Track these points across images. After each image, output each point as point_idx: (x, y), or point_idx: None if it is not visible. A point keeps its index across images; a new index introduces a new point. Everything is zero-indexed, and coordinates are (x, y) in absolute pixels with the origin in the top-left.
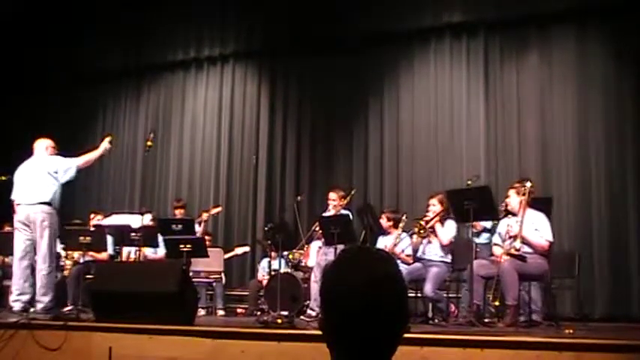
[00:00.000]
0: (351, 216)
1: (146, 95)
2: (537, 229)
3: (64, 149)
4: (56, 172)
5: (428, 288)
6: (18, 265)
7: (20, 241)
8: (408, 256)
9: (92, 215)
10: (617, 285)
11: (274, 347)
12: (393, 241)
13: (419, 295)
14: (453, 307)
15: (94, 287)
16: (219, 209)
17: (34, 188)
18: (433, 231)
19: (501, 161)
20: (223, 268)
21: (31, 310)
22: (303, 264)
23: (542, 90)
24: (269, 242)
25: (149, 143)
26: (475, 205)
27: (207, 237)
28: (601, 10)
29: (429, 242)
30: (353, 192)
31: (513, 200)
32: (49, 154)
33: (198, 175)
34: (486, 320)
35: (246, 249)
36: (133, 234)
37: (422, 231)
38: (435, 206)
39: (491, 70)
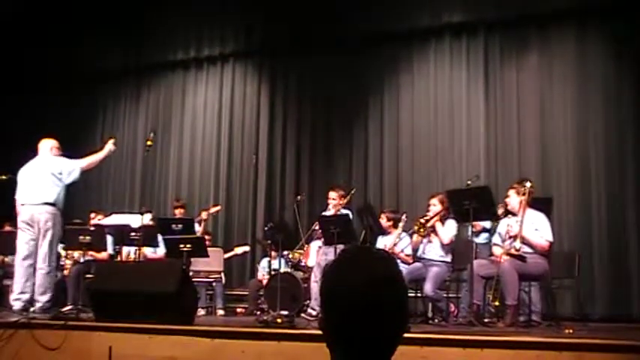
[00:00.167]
0: (350, 215)
1: (146, 95)
2: (537, 229)
3: (65, 149)
4: (60, 174)
5: (428, 287)
6: (21, 265)
7: (24, 242)
8: (407, 255)
9: (92, 215)
10: (617, 285)
11: (274, 347)
12: (393, 241)
13: (419, 294)
14: (452, 307)
15: (93, 287)
16: (218, 208)
17: (38, 189)
18: (434, 230)
19: (501, 161)
20: (223, 267)
21: (31, 309)
22: (303, 264)
23: (542, 90)
24: (269, 242)
25: (149, 143)
26: (475, 205)
27: (206, 237)
28: (601, 10)
29: (430, 242)
30: (353, 191)
31: (513, 200)
32: (53, 155)
33: (198, 175)
34: (486, 320)
35: (246, 249)
36: (133, 233)
37: (422, 230)
38: (435, 206)
39: (491, 70)
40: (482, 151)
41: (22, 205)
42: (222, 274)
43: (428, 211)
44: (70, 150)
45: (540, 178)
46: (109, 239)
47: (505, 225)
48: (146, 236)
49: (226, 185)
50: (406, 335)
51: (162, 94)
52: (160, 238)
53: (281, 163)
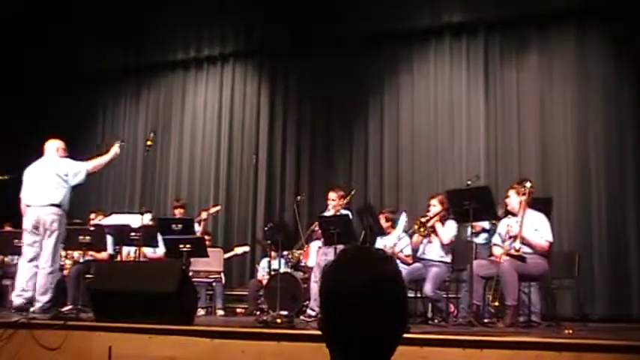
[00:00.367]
0: (350, 216)
1: (146, 95)
2: (537, 229)
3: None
4: (66, 175)
5: (428, 288)
6: (25, 266)
7: (29, 244)
8: (407, 256)
9: (92, 215)
10: (617, 285)
11: (274, 347)
12: (393, 241)
13: (419, 295)
14: (452, 308)
15: (93, 287)
16: (218, 208)
17: (44, 190)
18: (434, 231)
19: (501, 161)
20: (223, 267)
21: (31, 309)
22: (302, 264)
23: (541, 90)
24: (269, 242)
25: (149, 143)
26: (475, 205)
27: (206, 237)
28: (601, 10)
29: (429, 242)
30: (353, 192)
31: (513, 200)
32: (59, 156)
33: (198, 175)
34: (486, 320)
35: (246, 249)
36: (133, 234)
37: (422, 229)
38: (435, 207)
39: (491, 70)
40: (482, 151)
41: (28, 206)
42: (222, 274)
43: (428, 211)
44: (70, 150)
45: (540, 178)
46: (109, 239)
47: (505, 225)
48: (146, 236)
49: (226, 185)
50: (406, 335)
51: (162, 94)
52: (159, 238)
53: (281, 163)
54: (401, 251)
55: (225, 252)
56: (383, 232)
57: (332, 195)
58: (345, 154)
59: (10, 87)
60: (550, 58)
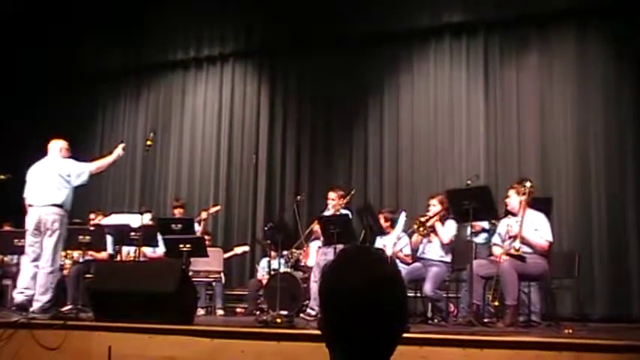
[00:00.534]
0: (350, 215)
1: (146, 95)
2: (537, 229)
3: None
4: (69, 176)
5: (427, 287)
6: (28, 266)
7: (31, 244)
8: (407, 255)
9: (92, 215)
10: (617, 285)
11: (273, 347)
12: (392, 241)
13: (418, 294)
14: (452, 307)
15: (93, 286)
16: (218, 208)
17: (46, 190)
18: (433, 230)
19: (501, 161)
20: (223, 267)
21: (30, 309)
22: (302, 264)
23: (541, 90)
24: (268, 242)
25: (149, 143)
26: (474, 205)
27: (206, 237)
28: (601, 10)
29: (429, 242)
30: (352, 192)
31: (513, 200)
32: (62, 156)
33: (198, 175)
34: (486, 320)
35: (246, 248)
36: (133, 233)
37: (421, 229)
38: (435, 206)
39: (491, 70)
40: (482, 151)
41: (30, 206)
42: (222, 274)
43: (427, 211)
44: (70, 150)
45: (540, 178)
46: (109, 239)
47: (505, 225)
48: (146, 236)
49: (226, 185)
50: (405, 335)
51: (162, 94)
52: (159, 237)
53: (281, 163)
54: (400, 251)
55: (225, 252)
56: (382, 232)
57: (332, 195)
58: (344, 154)
59: (10, 87)
60: (550, 58)
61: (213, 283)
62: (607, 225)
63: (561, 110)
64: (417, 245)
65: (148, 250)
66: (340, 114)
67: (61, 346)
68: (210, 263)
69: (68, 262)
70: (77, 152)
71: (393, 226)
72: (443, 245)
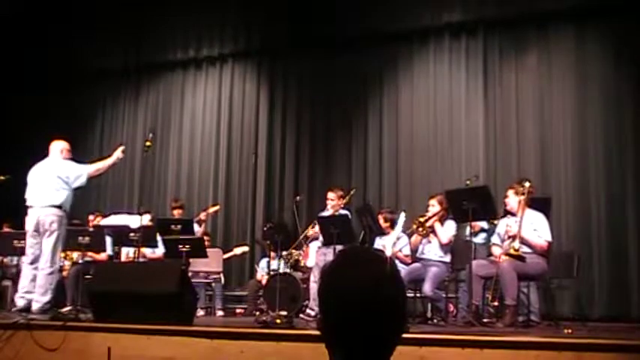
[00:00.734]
0: (349, 216)
1: (145, 95)
2: (536, 229)
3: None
4: (68, 178)
5: (427, 287)
6: (27, 270)
7: (30, 245)
8: (406, 256)
9: (91, 217)
10: (616, 285)
11: (273, 347)
12: (392, 241)
13: (418, 295)
14: (451, 307)
15: (93, 287)
16: (217, 208)
17: (45, 192)
18: (433, 230)
19: (500, 161)
20: (222, 268)
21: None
22: (302, 264)
23: (541, 90)
24: (268, 242)
25: (148, 143)
26: (474, 205)
27: (206, 237)
28: (600, 10)
29: (429, 242)
30: (352, 192)
31: (512, 200)
32: (63, 157)
33: (197, 175)
34: (485, 320)
35: (245, 249)
36: (132, 234)
37: (420, 229)
38: (434, 207)
39: (491, 70)
40: (481, 151)
41: (30, 207)
42: (222, 275)
43: (427, 211)
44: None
45: (540, 178)
46: (108, 240)
47: (504, 225)
48: (145, 237)
49: (225, 185)
50: (405, 335)
51: (161, 94)
52: (159, 238)
53: (280, 164)
54: (400, 251)
55: (225, 252)
56: (382, 233)
57: (331, 195)
58: (344, 154)
59: (10, 87)
60: (549, 57)
61: (213, 284)
62: (606, 225)
63: (561, 110)
64: (416, 245)
65: (147, 251)
66: (339, 114)
67: (60, 347)
68: (209, 264)
69: (67, 263)
70: (77, 152)
71: (392, 226)
72: (442, 245)
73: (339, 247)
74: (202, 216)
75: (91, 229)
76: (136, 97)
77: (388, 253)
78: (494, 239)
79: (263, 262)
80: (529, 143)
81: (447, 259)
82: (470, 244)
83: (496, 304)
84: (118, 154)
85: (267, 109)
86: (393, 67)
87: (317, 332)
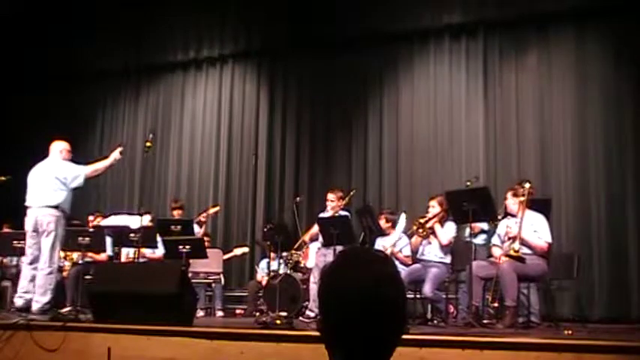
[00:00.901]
0: (350, 217)
1: (145, 95)
2: (536, 230)
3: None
4: (65, 178)
5: (427, 288)
6: (26, 270)
7: (29, 245)
8: (406, 256)
9: (92, 217)
10: (616, 286)
11: (273, 348)
12: (392, 242)
13: (418, 296)
14: (451, 308)
15: (93, 288)
16: (217, 209)
17: (42, 192)
18: (433, 232)
19: (500, 162)
20: (222, 269)
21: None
22: (302, 265)
23: (541, 90)
24: (268, 243)
25: (148, 144)
26: (474, 206)
27: (206, 238)
28: (600, 11)
29: (429, 243)
30: (352, 192)
31: (511, 203)
32: (62, 158)
33: (198, 176)
34: (485, 321)
35: (245, 250)
36: (132, 235)
37: (420, 230)
38: (434, 208)
39: (491, 71)
40: (481, 152)
41: (29, 207)
42: (222, 275)
43: (427, 212)
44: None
45: (540, 179)
46: (108, 240)
47: (504, 226)
48: (145, 237)
49: (225, 186)
50: (405, 336)
51: (161, 95)
52: (159, 239)
53: (280, 164)
54: (400, 251)
55: (225, 253)
56: (382, 233)
57: (331, 196)
58: (344, 155)
59: (10, 87)
60: (549, 58)
61: (213, 285)
62: (606, 226)
63: (561, 111)
64: (416, 247)
65: (147, 251)
66: (340, 114)
67: (60, 348)
68: (209, 264)
69: (67, 263)
70: (77, 152)
71: (394, 227)
72: (442, 246)
73: (339, 248)
74: (202, 217)
75: (91, 230)
76: (136, 98)
77: (387, 252)
78: (495, 240)
79: (263, 263)
80: (529, 144)
81: (447, 260)
82: (470, 245)
83: (496, 305)
84: (115, 154)
85: (267, 109)
86: (393, 68)
87: (317, 333)
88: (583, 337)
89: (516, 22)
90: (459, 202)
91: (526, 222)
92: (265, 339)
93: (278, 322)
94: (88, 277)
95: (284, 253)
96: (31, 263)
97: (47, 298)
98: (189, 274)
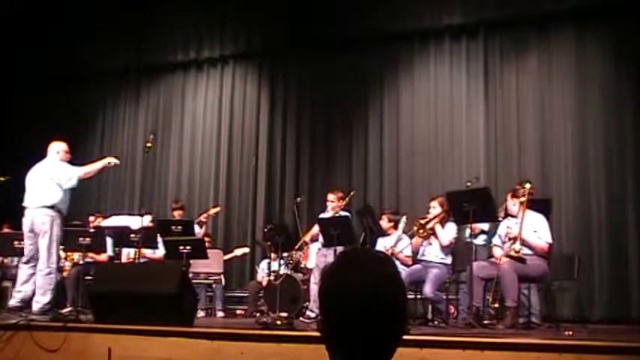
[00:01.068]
0: (350, 217)
1: (146, 96)
2: (536, 230)
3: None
4: (59, 179)
5: (427, 289)
6: (22, 268)
7: (27, 246)
8: (407, 257)
9: (92, 218)
10: (617, 287)
11: (273, 349)
12: (394, 242)
13: (419, 296)
14: (452, 309)
15: (93, 288)
16: (217, 209)
17: (38, 192)
18: (433, 232)
19: (501, 162)
20: (223, 269)
21: (33, 309)
22: (302, 265)
23: (541, 91)
24: (268, 243)
25: (149, 144)
26: (474, 206)
27: (206, 238)
28: (600, 11)
29: (429, 244)
30: (352, 193)
31: (511, 204)
32: (59, 158)
33: (198, 177)
34: (486, 322)
35: (246, 250)
36: (133, 235)
37: (421, 230)
38: (435, 209)
39: (491, 72)
40: (482, 153)
41: (26, 208)
42: (222, 276)
43: (428, 213)
44: (70, 150)
45: (540, 179)
46: (109, 241)
47: (505, 227)
48: (146, 238)
49: (226, 187)
50: (405, 337)
51: (162, 96)
52: (159, 239)
53: (281, 165)
54: (401, 252)
55: (225, 253)
56: (383, 234)
57: (331, 197)
58: (344, 156)
59: (10, 87)
60: (550, 59)
61: (213, 285)
62: (607, 226)
63: (561, 111)
64: (417, 247)
65: (147, 251)
66: (340, 115)
67: (60, 348)
68: (210, 265)
69: (68, 264)
70: (77, 153)
71: (396, 227)
72: (443, 247)
73: (339, 249)
74: (203, 217)
75: (91, 230)
76: (136, 98)
77: (388, 252)
78: (495, 241)
79: (263, 264)
80: (529, 144)
81: (448, 260)
82: (470, 246)
83: (497, 305)
84: (109, 160)
85: (267, 110)
86: (393, 68)
87: (317, 334)
88: (583, 337)
89: (516, 22)
90: (460, 202)
91: (526, 222)
92: (266, 339)
93: (278, 322)
94: (88, 277)
95: (284, 254)
96: (27, 262)
97: (47, 298)
98: (190, 275)
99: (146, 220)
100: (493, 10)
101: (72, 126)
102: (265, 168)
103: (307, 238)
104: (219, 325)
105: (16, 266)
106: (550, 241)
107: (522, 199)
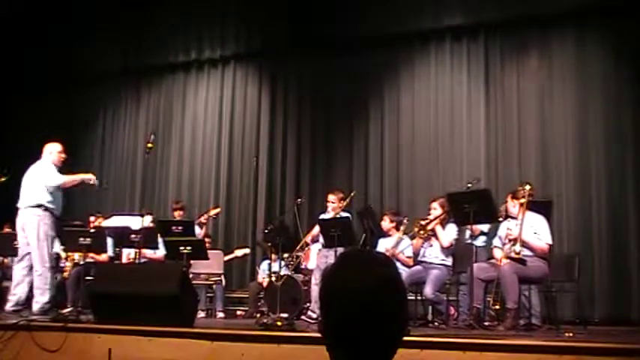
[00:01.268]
0: (351, 218)
1: (146, 96)
2: (536, 231)
3: (65, 150)
4: (45, 180)
5: (428, 290)
6: (16, 268)
7: (20, 245)
8: (408, 257)
9: (93, 218)
10: (617, 288)
11: (274, 350)
12: (395, 243)
13: (419, 297)
14: (452, 310)
15: (94, 289)
16: (218, 210)
17: (27, 193)
18: (434, 234)
19: (502, 163)
20: (223, 270)
21: (33, 309)
22: (303, 266)
23: (542, 92)
24: (269, 244)
25: (149, 145)
26: (475, 208)
27: (207, 239)
28: (601, 11)
29: (430, 245)
30: (353, 194)
31: (511, 205)
32: (52, 159)
33: (199, 177)
34: (486, 323)
35: (247, 251)
36: (133, 235)
37: (422, 231)
38: (435, 210)
39: (492, 73)
40: (482, 154)
41: (19, 208)
42: (223, 277)
43: (429, 214)
44: (70, 151)
45: (540, 181)
46: (109, 241)
47: (505, 228)
48: (146, 238)
49: (226, 187)
50: (405, 338)
51: (162, 96)
52: (160, 240)
53: (281, 165)
54: (401, 253)
55: (226, 254)
56: (383, 235)
57: (331, 197)
58: (345, 156)
59: (10, 87)
60: (550, 59)
61: (214, 286)
62: (607, 228)
63: (561, 112)
64: (417, 249)
65: (148, 251)
66: (341, 116)
67: (61, 348)
68: (210, 266)
69: (69, 264)
70: (77, 153)
71: (397, 227)
72: (443, 248)
73: (340, 250)
74: (203, 218)
75: (92, 231)
76: (137, 99)
77: (388, 253)
78: (496, 242)
79: (264, 265)
80: (530, 144)
81: (449, 262)
82: (471, 247)
83: (497, 307)
84: (89, 176)
85: (268, 110)
86: (393, 69)
87: (318, 335)
88: (584, 339)
89: (517, 23)
90: (460, 203)
91: (527, 224)
92: (266, 340)
93: (279, 323)
94: (89, 277)
95: (285, 255)
96: (18, 262)
97: (46, 297)
98: (190, 275)
99: (147, 221)
100: (494, 11)
101: (72, 126)
102: (266, 168)
103: (308, 239)
104: (219, 326)
105: None
106: (550, 241)
107: (522, 200)
